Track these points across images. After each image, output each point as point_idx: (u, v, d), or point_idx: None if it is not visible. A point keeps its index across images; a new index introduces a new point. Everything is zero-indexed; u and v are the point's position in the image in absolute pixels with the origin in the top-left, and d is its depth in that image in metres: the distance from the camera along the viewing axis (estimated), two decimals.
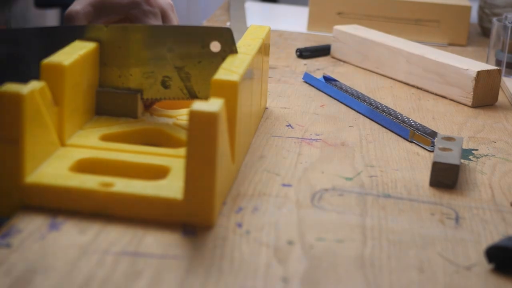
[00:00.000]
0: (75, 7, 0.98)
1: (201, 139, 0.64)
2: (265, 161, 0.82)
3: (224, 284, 0.58)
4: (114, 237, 0.64)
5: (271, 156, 0.84)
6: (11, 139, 0.66)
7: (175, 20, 1.01)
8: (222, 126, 0.67)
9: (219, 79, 0.73)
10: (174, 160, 0.74)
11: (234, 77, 0.74)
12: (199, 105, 0.65)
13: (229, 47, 0.82)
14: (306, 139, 0.90)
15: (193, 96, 0.84)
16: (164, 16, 0.99)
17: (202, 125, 0.64)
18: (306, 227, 0.68)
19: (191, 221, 0.66)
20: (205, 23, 1.47)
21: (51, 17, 2.36)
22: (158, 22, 0.98)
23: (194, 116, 0.64)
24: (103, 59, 0.84)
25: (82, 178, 0.69)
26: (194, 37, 0.82)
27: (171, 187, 0.68)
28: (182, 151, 0.76)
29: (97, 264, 0.59)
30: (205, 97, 0.83)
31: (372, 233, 0.68)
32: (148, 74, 0.84)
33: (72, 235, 0.63)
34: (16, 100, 0.66)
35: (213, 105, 0.65)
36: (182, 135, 0.81)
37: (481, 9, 1.54)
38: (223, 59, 0.81)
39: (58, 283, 0.57)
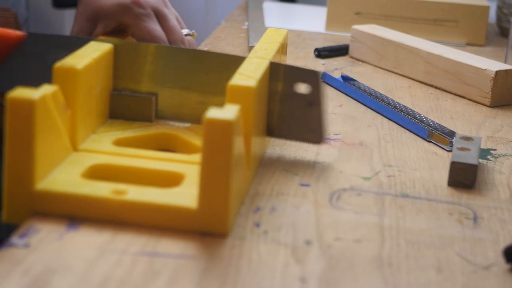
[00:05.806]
0: (75, 28, 0.98)
1: (216, 147, 0.62)
2: (283, 161, 0.82)
3: (241, 284, 0.59)
4: (132, 237, 0.64)
5: (289, 155, 0.83)
6: (22, 145, 0.64)
7: (171, 15, 1.00)
8: (238, 134, 0.65)
9: (236, 85, 0.72)
10: (189, 166, 0.73)
11: (251, 82, 0.73)
12: (214, 112, 0.63)
13: (316, 92, 0.79)
14: None
15: None
16: (158, 15, 0.98)
17: (217, 133, 0.62)
18: (324, 227, 0.68)
19: (205, 230, 0.65)
20: (223, 23, 1.47)
21: (69, 18, 2.37)
22: (153, 23, 0.97)
23: (209, 123, 0.62)
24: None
25: (94, 185, 0.67)
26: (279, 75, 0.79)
27: (185, 195, 0.66)
28: (196, 157, 0.74)
29: (115, 264, 0.60)
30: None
31: (390, 233, 0.68)
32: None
33: (90, 235, 0.63)
34: (27, 105, 0.64)
35: (228, 112, 0.63)
36: (197, 140, 0.79)
37: (499, 9, 1.53)
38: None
39: (76, 283, 0.57)
